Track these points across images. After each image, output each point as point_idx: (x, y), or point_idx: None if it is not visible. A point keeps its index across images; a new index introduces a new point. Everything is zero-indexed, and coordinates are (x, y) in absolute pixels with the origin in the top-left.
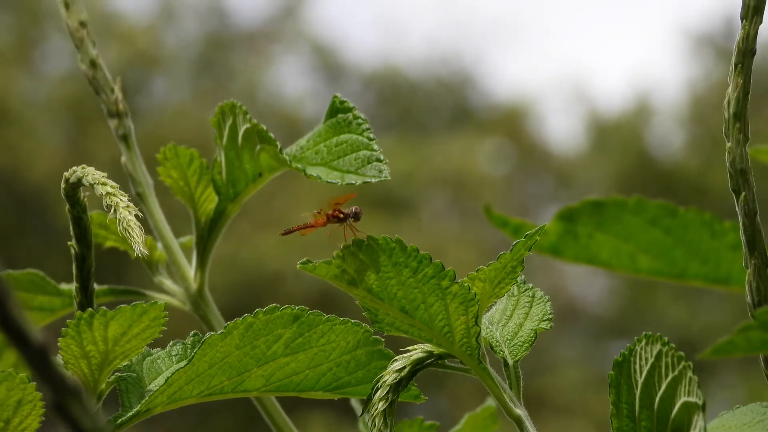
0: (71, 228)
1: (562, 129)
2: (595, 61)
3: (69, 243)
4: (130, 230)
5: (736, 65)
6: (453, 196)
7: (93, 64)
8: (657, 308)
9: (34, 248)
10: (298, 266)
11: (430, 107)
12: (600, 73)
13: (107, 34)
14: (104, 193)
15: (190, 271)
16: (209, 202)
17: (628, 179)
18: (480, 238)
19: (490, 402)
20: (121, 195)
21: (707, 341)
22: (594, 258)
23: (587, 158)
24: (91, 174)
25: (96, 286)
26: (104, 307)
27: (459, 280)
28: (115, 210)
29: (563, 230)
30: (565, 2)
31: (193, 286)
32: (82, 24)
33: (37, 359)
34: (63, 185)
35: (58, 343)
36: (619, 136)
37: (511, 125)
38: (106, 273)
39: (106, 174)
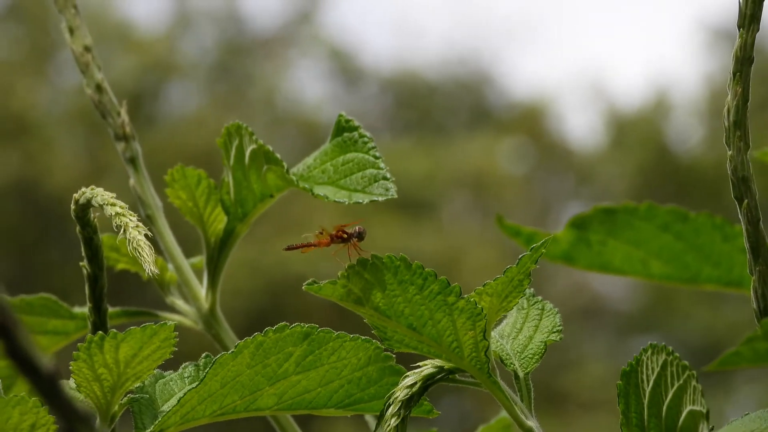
0: (83, 249)
1: (581, 126)
2: (613, 57)
3: (81, 264)
4: (140, 250)
5: (734, 74)
6: (473, 196)
7: (99, 88)
8: (681, 304)
9: (54, 258)
10: (303, 287)
11: (448, 108)
12: (618, 69)
13: (124, 43)
14: (114, 213)
15: (202, 291)
16: (218, 222)
17: (648, 174)
18: (501, 237)
19: (504, 414)
20: (131, 215)
21: (732, 338)
22: (607, 265)
23: (607, 154)
24: (100, 195)
25: (108, 308)
26: (114, 330)
27: (465, 296)
28: (124, 230)
29: (575, 238)
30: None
31: (205, 305)
32: (87, 48)
33: (47, 387)
34: (73, 206)
35: (70, 367)
36: (638, 132)
37: (530, 124)
38: (122, 295)
39: (115, 195)
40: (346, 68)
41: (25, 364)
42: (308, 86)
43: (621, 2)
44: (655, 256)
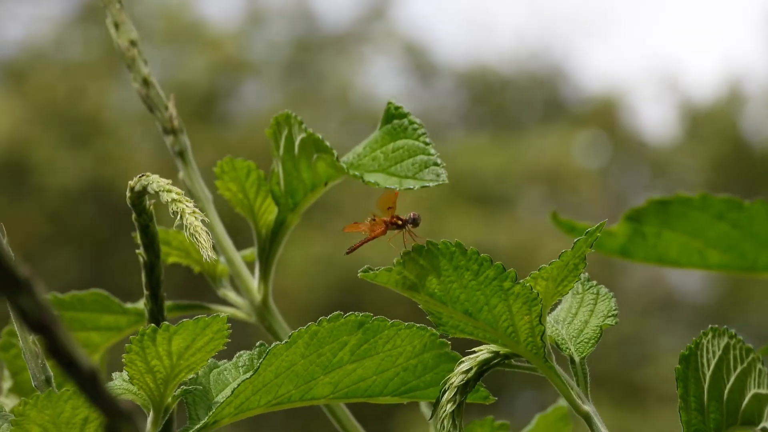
0: (138, 236)
1: (655, 118)
2: (686, 49)
3: (137, 252)
4: (197, 235)
5: None
6: (549, 190)
7: (146, 82)
8: (756, 295)
9: (128, 258)
10: (359, 275)
11: (522, 103)
12: (691, 61)
13: (196, 41)
14: (170, 200)
15: (254, 283)
16: (269, 213)
17: (724, 166)
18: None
19: (561, 403)
20: (187, 201)
21: None
22: (663, 257)
23: (682, 147)
24: (156, 182)
25: None
26: (167, 323)
27: (521, 281)
28: (181, 216)
29: (631, 231)
30: None
31: (258, 297)
32: (133, 43)
33: (89, 384)
34: (128, 194)
35: (123, 359)
36: (713, 124)
37: (604, 117)
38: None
39: (170, 181)
40: (419, 64)
41: (66, 363)
42: (382, 82)
43: None
44: (712, 246)
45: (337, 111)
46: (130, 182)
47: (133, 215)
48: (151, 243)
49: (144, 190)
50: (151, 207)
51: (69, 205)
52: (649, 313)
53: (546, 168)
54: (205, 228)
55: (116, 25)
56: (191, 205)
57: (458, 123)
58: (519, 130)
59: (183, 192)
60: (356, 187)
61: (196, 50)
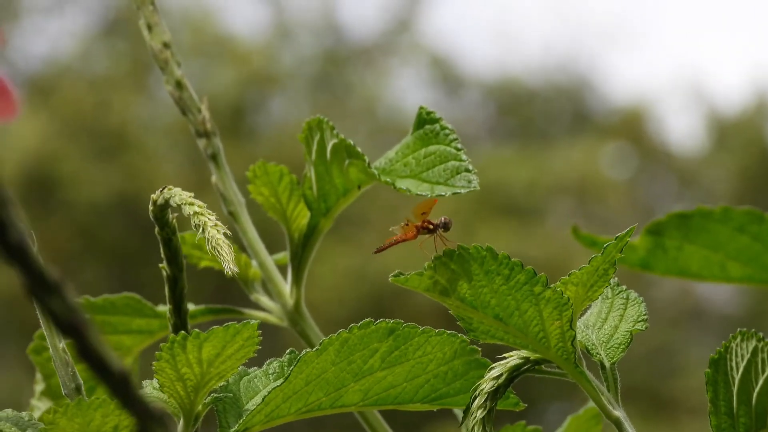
0: (161, 250)
1: (682, 129)
2: (713, 59)
3: (160, 265)
4: (219, 248)
5: None
6: (577, 202)
7: (179, 84)
8: None
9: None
10: (390, 279)
11: (549, 114)
12: (718, 71)
13: (223, 56)
14: (192, 212)
15: (286, 287)
16: (301, 217)
17: (751, 176)
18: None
19: (592, 404)
20: (209, 214)
21: None
22: (684, 270)
23: (709, 157)
24: (178, 195)
25: (193, 306)
26: (197, 330)
27: (551, 286)
28: (203, 229)
29: (652, 244)
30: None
31: (290, 302)
32: (166, 45)
33: (119, 387)
34: (151, 207)
35: (153, 367)
36: (740, 134)
37: (631, 128)
38: (207, 292)
39: (192, 194)
40: (446, 76)
41: (96, 365)
42: (409, 95)
43: (719, 2)
44: (733, 259)
45: (364, 124)
46: (152, 195)
47: (156, 229)
48: (174, 256)
49: (166, 204)
50: (174, 220)
51: (97, 220)
52: (679, 325)
53: (574, 179)
54: (227, 242)
55: (149, 27)
56: (213, 218)
57: (485, 135)
58: (546, 141)
59: (205, 205)
60: (385, 200)
61: (222, 64)
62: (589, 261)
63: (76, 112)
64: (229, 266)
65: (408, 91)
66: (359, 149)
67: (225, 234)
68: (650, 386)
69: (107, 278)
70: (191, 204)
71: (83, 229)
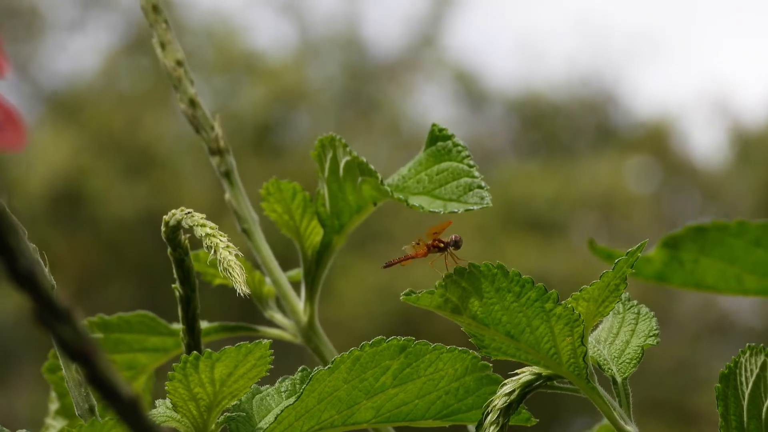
0: (174, 270)
1: (706, 143)
2: (736, 73)
3: (173, 286)
4: (230, 270)
5: None
6: (601, 216)
7: (192, 102)
8: None
9: None
10: (401, 297)
11: (573, 129)
12: (742, 85)
13: (249, 73)
14: (204, 234)
15: (300, 304)
16: (315, 234)
17: None
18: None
19: (606, 422)
20: (221, 236)
21: None
22: (700, 282)
23: (733, 171)
24: (190, 216)
25: (207, 324)
26: (209, 350)
27: (562, 302)
28: (215, 251)
29: (668, 257)
30: (704, 15)
31: (304, 319)
32: (179, 63)
33: (129, 413)
34: (163, 229)
35: (166, 387)
36: (764, 148)
37: (655, 142)
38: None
39: (205, 215)
40: (470, 91)
41: (106, 391)
42: (433, 110)
43: (742, 17)
44: (749, 272)
45: (388, 139)
46: (164, 217)
47: (169, 250)
48: (187, 277)
49: (178, 225)
50: (186, 241)
51: (124, 236)
52: (703, 338)
53: (598, 194)
54: (238, 263)
55: (162, 45)
56: (225, 239)
57: (509, 150)
58: (570, 156)
59: (217, 227)
60: (410, 216)
61: (248, 81)
62: (600, 276)
63: (103, 128)
64: (241, 288)
65: (432, 106)
66: (372, 166)
67: (237, 255)
68: (675, 400)
69: (133, 294)
70: (203, 225)
71: (110, 245)
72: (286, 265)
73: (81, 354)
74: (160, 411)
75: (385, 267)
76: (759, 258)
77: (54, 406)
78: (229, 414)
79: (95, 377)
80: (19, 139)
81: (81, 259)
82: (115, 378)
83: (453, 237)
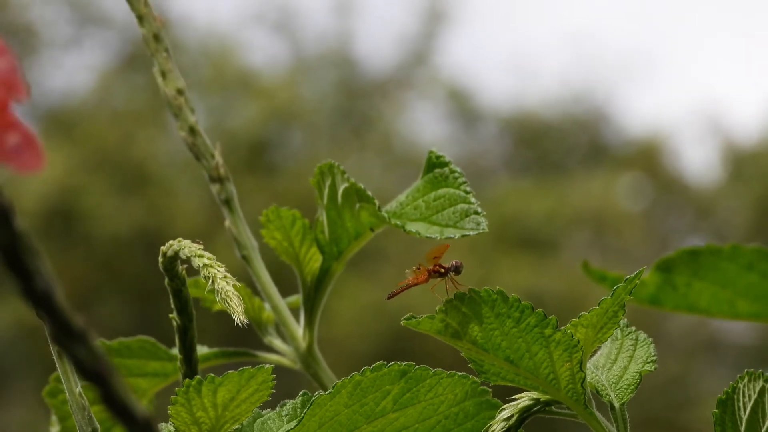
0: (171, 300)
1: (698, 160)
2: (729, 90)
3: (170, 315)
4: (228, 300)
5: None
6: (594, 233)
7: (192, 130)
8: None
9: None
10: (401, 322)
11: (565, 147)
12: (734, 102)
13: (246, 91)
14: (201, 265)
15: (299, 330)
16: (314, 261)
17: None
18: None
19: None
20: (218, 266)
21: None
22: (693, 306)
23: (725, 188)
24: (187, 247)
25: (206, 349)
26: (212, 374)
27: (561, 328)
28: (213, 281)
29: (661, 281)
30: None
31: (303, 345)
32: (180, 91)
33: None
34: (161, 259)
35: (168, 411)
36: (756, 165)
37: (647, 160)
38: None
39: (202, 246)
40: (463, 109)
41: (120, 411)
42: (426, 128)
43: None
44: (742, 296)
45: (381, 156)
46: (162, 248)
47: (166, 280)
48: (184, 307)
49: (176, 255)
50: (184, 271)
51: (118, 253)
52: (694, 356)
53: (591, 211)
54: (236, 293)
55: (163, 74)
56: (222, 269)
57: (502, 168)
58: (563, 174)
59: (214, 257)
60: (403, 237)
61: (242, 98)
62: (599, 303)
63: (97, 146)
64: (239, 318)
65: (425, 124)
66: (369, 193)
67: (234, 285)
68: (666, 417)
69: (127, 311)
70: (200, 256)
71: (104, 263)
72: (285, 291)
73: (96, 374)
74: None
75: (389, 298)
76: (751, 282)
77: (55, 429)
78: None
79: (111, 398)
80: (37, 162)
81: (74, 276)
82: (130, 399)
83: (454, 263)
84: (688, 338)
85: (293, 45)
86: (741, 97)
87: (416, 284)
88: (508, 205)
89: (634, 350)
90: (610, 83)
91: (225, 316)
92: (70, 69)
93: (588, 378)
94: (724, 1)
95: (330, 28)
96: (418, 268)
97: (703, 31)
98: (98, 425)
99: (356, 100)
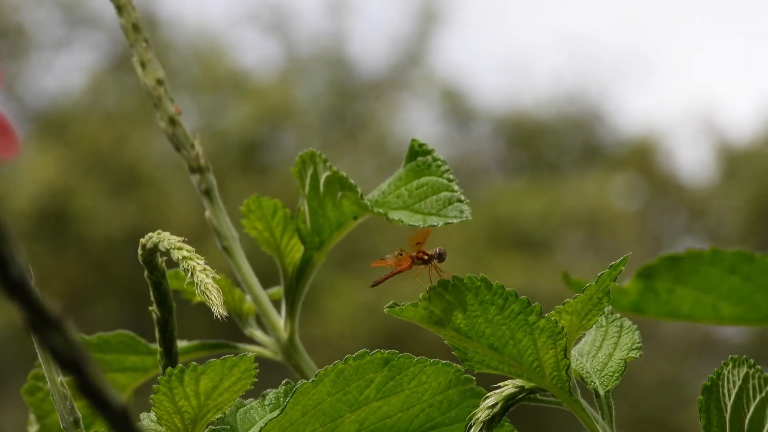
0: (151, 293)
1: (692, 160)
2: (723, 91)
3: (150, 308)
4: (208, 293)
5: None
6: (588, 234)
7: (172, 121)
8: None
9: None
10: (385, 310)
11: (559, 147)
12: (728, 102)
13: (238, 91)
14: (181, 257)
15: (280, 321)
16: (295, 251)
17: (762, 207)
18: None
19: None
20: (198, 258)
21: None
22: (676, 312)
23: (720, 188)
24: (167, 239)
25: (187, 342)
26: (194, 362)
27: (546, 315)
28: (192, 274)
29: (643, 288)
30: (690, 33)
31: (284, 336)
32: (159, 82)
33: (120, 421)
34: (140, 251)
35: (150, 400)
36: (750, 165)
37: (641, 160)
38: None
39: (182, 238)
40: (457, 110)
41: (96, 399)
42: (420, 128)
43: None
44: (725, 299)
45: (375, 157)
46: (141, 240)
47: (146, 272)
48: (164, 300)
49: (155, 248)
50: (164, 264)
51: (111, 254)
52: (688, 356)
53: (585, 211)
54: (215, 286)
55: (143, 64)
56: (202, 262)
57: (496, 168)
58: (557, 174)
59: (194, 249)
60: (396, 235)
61: (234, 99)
62: (583, 290)
63: (89, 147)
64: (218, 310)
65: (419, 124)
66: (352, 181)
67: (213, 277)
68: (660, 417)
69: (119, 311)
70: (180, 248)
71: (96, 264)
72: (266, 283)
73: (72, 362)
74: (145, 424)
75: (373, 286)
76: (734, 285)
77: (33, 429)
78: (213, 427)
79: (86, 387)
80: (11, 148)
81: (67, 276)
82: (106, 387)
83: (437, 249)
84: (682, 339)
85: (286, 45)
86: (734, 97)
87: (400, 272)
88: (502, 206)
89: (619, 337)
90: (604, 83)
91: (208, 308)
92: (61, 70)
93: (573, 365)
94: (717, 1)
95: (323, 29)
96: (400, 254)
97: (696, 31)
98: (80, 415)
99: (350, 100)
